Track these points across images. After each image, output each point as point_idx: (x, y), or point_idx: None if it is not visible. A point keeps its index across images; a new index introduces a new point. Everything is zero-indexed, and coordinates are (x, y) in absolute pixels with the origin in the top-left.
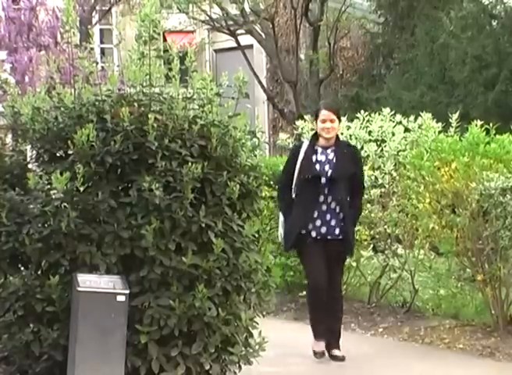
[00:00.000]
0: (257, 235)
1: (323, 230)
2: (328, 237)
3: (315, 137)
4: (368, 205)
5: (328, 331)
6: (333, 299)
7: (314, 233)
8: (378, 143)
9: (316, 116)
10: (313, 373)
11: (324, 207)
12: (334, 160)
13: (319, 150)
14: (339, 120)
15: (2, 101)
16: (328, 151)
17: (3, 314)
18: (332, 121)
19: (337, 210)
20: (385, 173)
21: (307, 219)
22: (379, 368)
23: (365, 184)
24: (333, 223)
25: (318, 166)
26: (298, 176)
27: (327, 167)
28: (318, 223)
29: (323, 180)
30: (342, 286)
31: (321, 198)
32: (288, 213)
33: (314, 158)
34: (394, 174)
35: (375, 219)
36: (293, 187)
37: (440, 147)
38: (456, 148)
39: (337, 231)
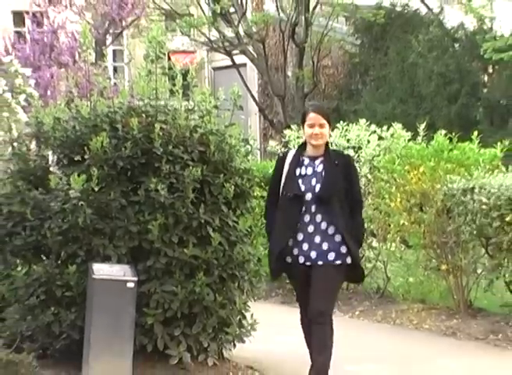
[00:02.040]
0: (249, 230)
1: (313, 254)
2: (320, 263)
3: (303, 146)
4: None
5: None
6: (322, 327)
7: (302, 259)
8: (356, 149)
9: (303, 121)
10: (299, 349)
11: (310, 228)
12: (323, 173)
13: (305, 161)
14: (330, 125)
15: (27, 112)
16: (317, 162)
17: (27, 298)
18: (321, 126)
19: (330, 231)
20: (362, 176)
21: (291, 242)
22: (356, 345)
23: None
24: (326, 246)
25: (300, 181)
26: (282, 193)
27: (314, 181)
28: (305, 246)
29: (308, 196)
30: (332, 315)
31: (307, 218)
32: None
33: (298, 171)
34: (369, 177)
35: None
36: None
37: (409, 153)
38: (424, 154)
39: (332, 256)
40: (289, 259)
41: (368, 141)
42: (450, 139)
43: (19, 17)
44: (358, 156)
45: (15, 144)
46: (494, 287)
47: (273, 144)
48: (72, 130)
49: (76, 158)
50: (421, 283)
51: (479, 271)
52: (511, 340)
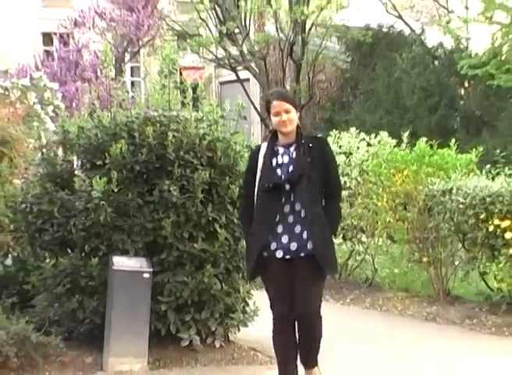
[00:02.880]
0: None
1: (293, 246)
2: (302, 255)
3: (275, 135)
4: (340, 204)
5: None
6: (310, 327)
7: (280, 253)
8: (347, 155)
9: (268, 110)
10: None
11: (290, 218)
12: (296, 158)
13: (280, 150)
14: (296, 109)
15: (55, 122)
16: (291, 149)
17: (55, 287)
18: (287, 111)
19: (309, 218)
20: (352, 178)
21: (270, 238)
22: (347, 329)
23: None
24: (306, 235)
25: (279, 171)
26: (259, 187)
27: (291, 168)
28: (285, 239)
29: (287, 186)
30: (320, 309)
31: (287, 208)
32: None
33: (274, 161)
34: (359, 179)
35: (344, 214)
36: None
37: (395, 158)
38: (407, 159)
39: (310, 245)
40: (265, 254)
41: (358, 148)
42: (431, 146)
43: (48, 38)
44: (349, 161)
45: (44, 150)
46: (469, 278)
47: None
48: (95, 138)
49: (97, 163)
50: (405, 273)
51: (456, 263)
52: (485, 324)
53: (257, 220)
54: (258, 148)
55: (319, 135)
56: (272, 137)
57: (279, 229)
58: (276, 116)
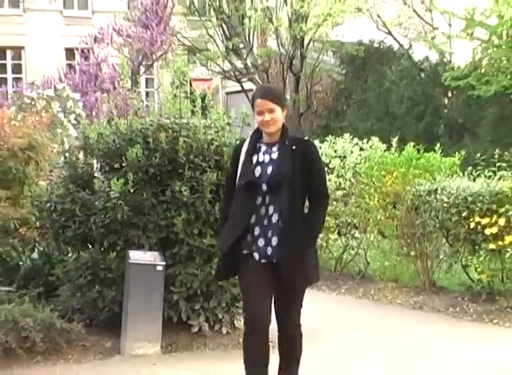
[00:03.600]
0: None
1: (269, 250)
2: (274, 261)
3: (259, 131)
4: (335, 203)
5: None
6: (289, 338)
7: (257, 256)
8: (341, 158)
9: (253, 108)
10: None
11: (265, 221)
12: (278, 160)
13: (262, 148)
14: (283, 108)
15: (76, 128)
16: (274, 148)
17: (77, 279)
18: (270, 111)
19: (279, 224)
20: (346, 180)
21: (248, 237)
22: (342, 317)
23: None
24: (275, 241)
25: (258, 169)
26: (237, 184)
27: (269, 170)
28: (261, 242)
29: (264, 186)
30: (300, 321)
31: (263, 210)
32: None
33: (254, 158)
34: (353, 180)
35: (339, 212)
36: None
37: (385, 161)
38: (396, 162)
39: (279, 252)
40: (245, 251)
41: (352, 152)
42: (418, 150)
43: (70, 53)
44: (344, 164)
45: (66, 154)
46: (453, 270)
47: None
48: (113, 143)
49: (115, 166)
50: (394, 266)
51: (441, 257)
52: (466, 312)
53: (231, 217)
54: (242, 143)
55: (306, 138)
56: (256, 133)
57: (256, 231)
58: (259, 115)
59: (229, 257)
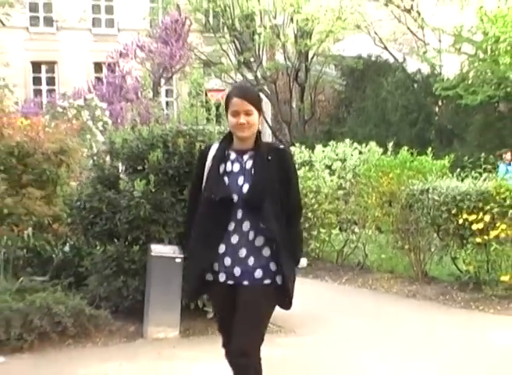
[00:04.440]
0: None
1: (236, 271)
2: (245, 283)
3: (229, 137)
4: (336, 201)
5: None
6: (244, 369)
7: (223, 277)
8: (342, 161)
9: (226, 108)
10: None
11: (235, 239)
12: (252, 171)
13: (232, 155)
14: (259, 112)
15: (104, 135)
16: (245, 157)
17: (104, 270)
18: (247, 113)
19: (257, 243)
20: (347, 180)
21: (211, 257)
22: (343, 305)
23: (302, 200)
24: (252, 261)
25: (226, 180)
26: (203, 195)
27: (241, 180)
28: (228, 261)
29: (235, 199)
30: (260, 352)
31: (231, 226)
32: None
33: (222, 167)
34: (352, 181)
35: (340, 210)
36: None
37: (382, 163)
38: (392, 164)
39: (259, 274)
40: (209, 277)
41: (352, 155)
42: (411, 153)
43: (98, 66)
44: (344, 166)
45: (94, 157)
46: (443, 262)
47: None
48: (136, 148)
49: (138, 168)
50: (390, 258)
51: (432, 250)
52: (455, 300)
53: (200, 234)
54: (208, 148)
55: (281, 146)
56: (226, 138)
57: (221, 249)
58: (234, 116)
59: (200, 278)
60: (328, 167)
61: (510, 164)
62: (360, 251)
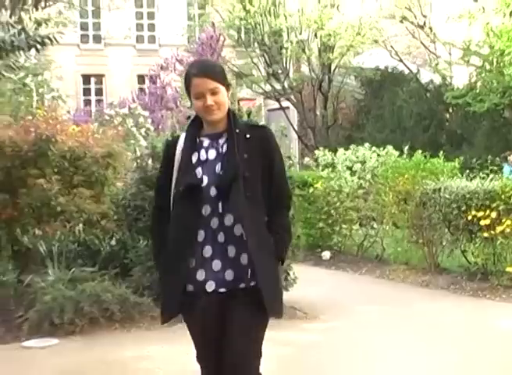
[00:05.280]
0: (292, 216)
1: (229, 275)
2: (241, 286)
3: (198, 121)
4: (356, 199)
5: None
6: None
7: (212, 286)
8: (362, 163)
9: (188, 91)
10: (324, 294)
11: (221, 236)
12: (227, 153)
13: (205, 142)
14: (227, 87)
15: (146, 140)
16: (221, 140)
17: (147, 261)
18: (213, 93)
19: (245, 236)
20: (366, 181)
21: (194, 264)
22: (363, 293)
23: (292, 192)
24: (245, 260)
25: (200, 170)
26: (174, 193)
27: (219, 168)
28: (217, 265)
29: (212, 190)
30: (259, 365)
31: (215, 223)
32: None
33: (195, 157)
34: (371, 181)
35: (360, 207)
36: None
37: (398, 165)
38: (407, 166)
39: (251, 274)
40: (190, 288)
41: (370, 158)
42: (425, 156)
43: (141, 78)
44: (364, 167)
45: (138, 160)
46: (453, 254)
47: (307, 160)
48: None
49: None
50: (405, 251)
51: (444, 243)
52: (464, 289)
53: (172, 241)
54: (175, 140)
55: (261, 124)
56: (194, 124)
57: (207, 251)
58: (198, 98)
59: (177, 291)
60: (349, 168)
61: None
62: (378, 244)
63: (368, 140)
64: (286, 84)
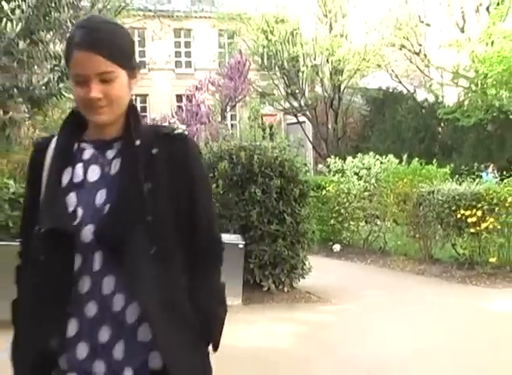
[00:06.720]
0: (308, 214)
1: (98, 367)
2: None
3: (78, 118)
4: (363, 200)
5: None
6: None
7: None
8: (367, 169)
9: (68, 65)
10: (337, 281)
11: (91, 309)
12: (120, 179)
13: (86, 152)
14: (132, 71)
15: None
16: (110, 153)
17: None
18: (104, 79)
19: (129, 317)
20: (371, 184)
21: (55, 345)
22: (368, 280)
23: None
24: (120, 352)
25: (73, 199)
26: (36, 230)
27: (100, 198)
28: (83, 350)
29: (87, 234)
30: None
31: (86, 284)
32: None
33: (67, 176)
34: (375, 185)
35: (366, 207)
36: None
37: (398, 171)
38: (406, 172)
39: (130, 373)
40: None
41: (375, 165)
42: (421, 163)
43: (179, 98)
44: (369, 173)
45: None
46: (445, 247)
47: (321, 166)
48: (208, 159)
49: (210, 175)
50: (404, 244)
51: (437, 238)
52: (454, 276)
53: (31, 298)
54: (48, 142)
55: (178, 131)
56: (72, 120)
57: (72, 329)
58: (80, 84)
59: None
60: (357, 174)
61: (487, 173)
62: (381, 239)
63: (373, 149)
64: (302, 102)
